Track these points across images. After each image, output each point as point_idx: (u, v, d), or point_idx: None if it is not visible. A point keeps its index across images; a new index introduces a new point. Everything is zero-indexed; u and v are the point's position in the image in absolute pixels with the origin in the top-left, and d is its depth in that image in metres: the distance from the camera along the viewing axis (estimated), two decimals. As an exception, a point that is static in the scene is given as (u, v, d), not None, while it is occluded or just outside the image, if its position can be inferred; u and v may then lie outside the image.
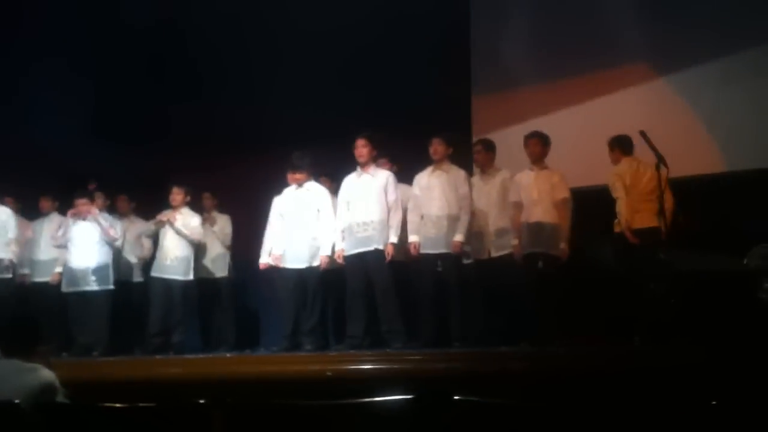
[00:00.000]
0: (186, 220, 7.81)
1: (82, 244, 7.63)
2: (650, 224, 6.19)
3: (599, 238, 6.68)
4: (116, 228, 7.79)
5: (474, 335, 6.49)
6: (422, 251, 6.61)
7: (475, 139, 7.82)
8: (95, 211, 7.73)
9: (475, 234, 6.72)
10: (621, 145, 6.56)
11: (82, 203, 7.67)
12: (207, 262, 8.13)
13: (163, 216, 7.83)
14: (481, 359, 5.66)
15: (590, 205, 6.76)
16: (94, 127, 9.29)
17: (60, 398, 3.79)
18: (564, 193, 6.46)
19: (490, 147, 6.96)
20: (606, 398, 4.05)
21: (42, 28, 9.20)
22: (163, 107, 9.20)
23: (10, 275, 7.70)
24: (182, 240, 7.74)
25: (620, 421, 2.74)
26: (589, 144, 7.06)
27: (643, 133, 5.91)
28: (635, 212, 6.29)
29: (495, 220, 6.71)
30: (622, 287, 6.40)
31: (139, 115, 9.33)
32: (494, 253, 6.70)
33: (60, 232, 7.77)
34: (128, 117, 9.34)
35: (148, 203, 8.42)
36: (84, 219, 7.67)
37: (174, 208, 7.84)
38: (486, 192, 6.80)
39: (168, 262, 7.73)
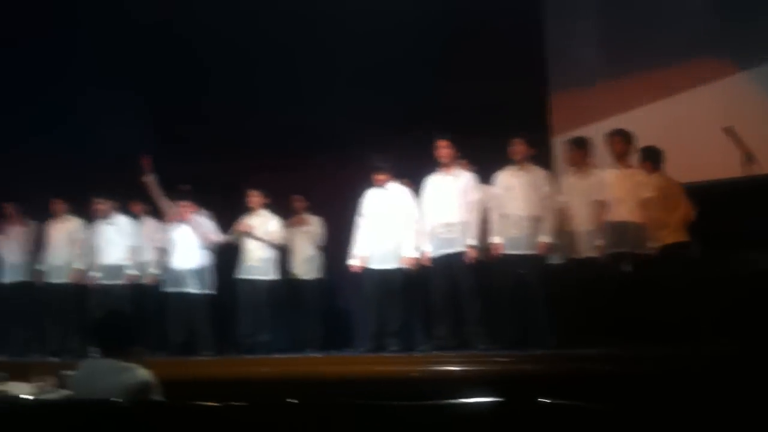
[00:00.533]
0: (265, 224, 7.96)
1: (184, 247, 7.83)
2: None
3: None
4: (217, 232, 7.97)
5: (559, 336, 6.43)
6: (505, 252, 6.59)
7: (554, 138, 7.77)
8: (191, 215, 7.90)
9: (566, 233, 6.65)
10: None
11: (183, 206, 7.85)
12: (298, 263, 8.26)
13: (241, 227, 7.98)
14: (567, 361, 5.62)
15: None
16: (177, 135, 9.55)
17: (156, 396, 3.95)
18: (650, 192, 6.34)
19: (580, 145, 6.81)
20: (695, 400, 3.99)
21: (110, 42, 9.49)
22: (251, 111, 9.36)
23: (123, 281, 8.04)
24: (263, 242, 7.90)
25: (709, 422, 2.71)
26: (672, 141, 6.89)
27: (728, 129, 5.77)
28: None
29: (585, 220, 6.59)
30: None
31: (224, 118, 9.51)
32: (585, 254, 6.59)
33: (159, 235, 8.02)
34: (213, 120, 9.54)
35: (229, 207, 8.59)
36: (185, 222, 7.86)
37: (251, 210, 7.99)
38: (579, 190, 6.65)
39: (252, 264, 7.90)
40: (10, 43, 9.57)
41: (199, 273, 7.77)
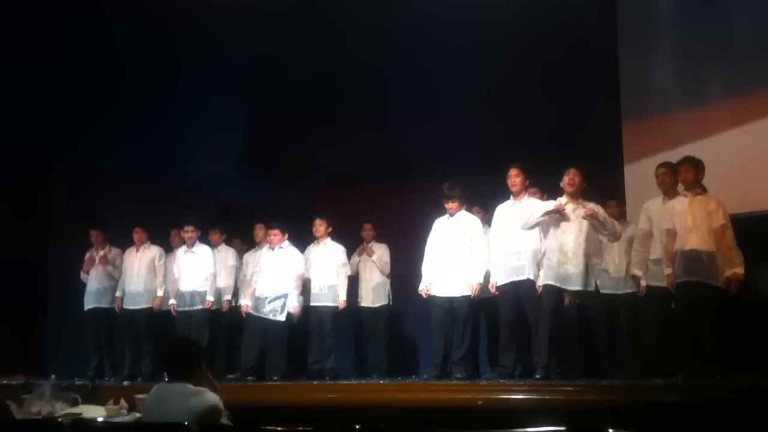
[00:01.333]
0: (331, 251, 8.05)
1: (269, 273, 7.92)
2: None
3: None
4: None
5: (629, 366, 6.34)
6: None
7: (626, 166, 7.69)
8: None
9: (649, 261, 6.59)
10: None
11: (274, 234, 7.97)
12: (367, 290, 8.32)
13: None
14: (634, 391, 5.53)
15: (752, 232, 6.49)
16: (251, 163, 9.76)
17: (224, 420, 4.02)
18: (721, 220, 6.20)
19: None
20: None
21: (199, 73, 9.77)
22: (315, 141, 9.51)
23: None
24: (329, 268, 7.97)
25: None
26: (746, 169, 6.75)
27: None
28: None
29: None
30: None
31: (292, 148, 9.68)
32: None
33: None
34: (282, 150, 9.71)
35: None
36: (272, 248, 7.98)
37: (317, 239, 8.09)
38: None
39: (317, 291, 7.97)
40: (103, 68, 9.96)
41: (277, 299, 7.84)
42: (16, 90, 9.68)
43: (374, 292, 8.33)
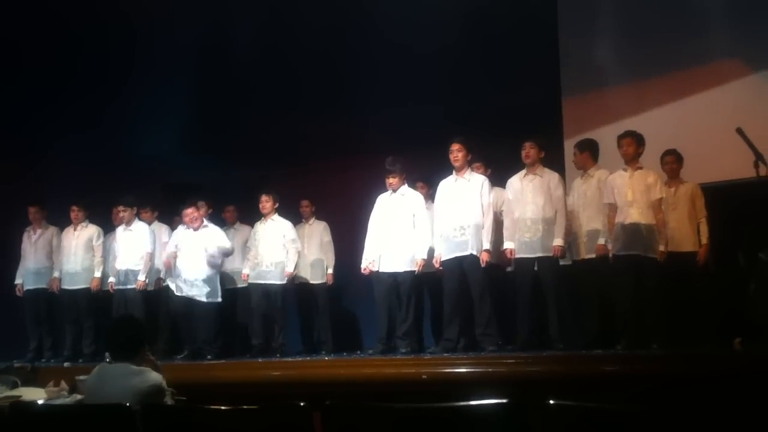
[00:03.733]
0: (278, 227, 7.99)
1: (190, 254, 7.84)
2: None
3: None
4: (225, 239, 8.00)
5: (569, 338, 6.45)
6: (518, 256, 6.61)
7: (566, 140, 7.78)
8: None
9: (572, 234, 6.74)
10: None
11: (189, 212, 7.85)
12: (305, 267, 8.31)
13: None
14: (576, 362, 5.63)
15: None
16: (193, 141, 9.63)
17: (167, 400, 3.98)
18: (660, 194, 6.34)
19: (582, 147, 6.94)
20: (702, 402, 3.99)
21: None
22: (258, 117, 9.42)
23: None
24: (277, 245, 7.92)
25: (717, 426, 2.71)
26: (684, 143, 6.88)
27: (740, 130, 5.78)
28: None
29: (589, 221, 6.67)
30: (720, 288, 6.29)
31: (234, 127, 9.58)
32: (585, 255, 6.67)
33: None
34: (224, 129, 9.61)
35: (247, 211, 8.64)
36: (195, 229, 7.88)
37: (264, 215, 8.03)
38: (583, 192, 6.77)
39: (265, 268, 7.92)
40: (39, 47, 9.68)
41: (205, 282, 7.77)
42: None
43: (312, 269, 8.34)
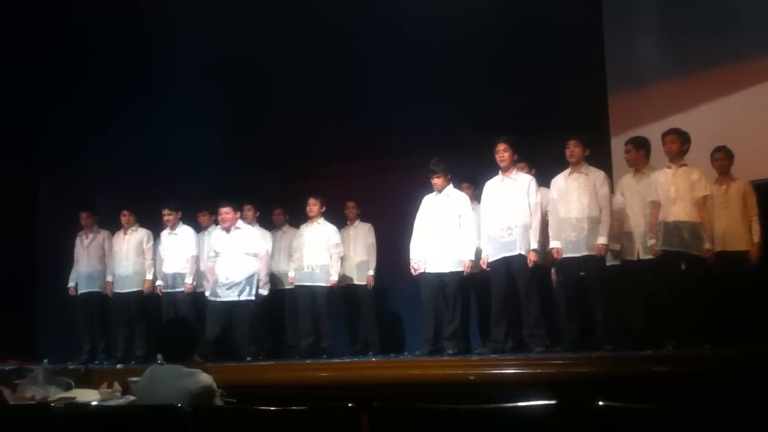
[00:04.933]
0: (323, 230, 8.03)
1: (224, 256, 7.89)
2: None
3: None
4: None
5: (618, 338, 6.38)
6: (564, 255, 6.57)
7: (613, 138, 7.71)
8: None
9: (625, 234, 6.63)
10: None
11: (224, 211, 7.89)
12: (351, 269, 8.35)
13: None
14: (625, 363, 5.57)
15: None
16: (236, 145, 9.74)
17: (217, 401, 4.04)
18: (704, 191, 6.25)
19: (639, 144, 6.78)
20: (754, 402, 3.92)
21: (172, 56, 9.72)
22: (303, 120, 9.47)
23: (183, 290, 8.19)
24: (322, 248, 7.96)
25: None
26: (734, 139, 6.76)
27: None
28: None
29: (645, 221, 6.55)
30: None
31: (277, 131, 9.65)
32: (643, 255, 6.54)
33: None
34: (267, 133, 9.69)
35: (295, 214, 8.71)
36: (228, 231, 7.92)
37: (311, 218, 8.08)
38: (637, 191, 6.64)
39: (309, 270, 7.98)
40: (86, 59, 9.89)
41: (241, 283, 7.80)
42: (2, 80, 9.68)
43: (356, 271, 8.37)
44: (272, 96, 9.68)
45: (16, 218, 9.00)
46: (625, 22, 8.19)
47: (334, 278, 7.90)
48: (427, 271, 7.02)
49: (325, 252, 7.96)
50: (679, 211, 6.20)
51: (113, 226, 8.68)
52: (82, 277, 8.60)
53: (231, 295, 7.74)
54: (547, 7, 8.30)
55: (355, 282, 8.38)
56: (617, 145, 7.57)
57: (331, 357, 7.61)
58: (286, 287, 8.37)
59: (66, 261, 8.79)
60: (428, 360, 6.64)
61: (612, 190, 6.73)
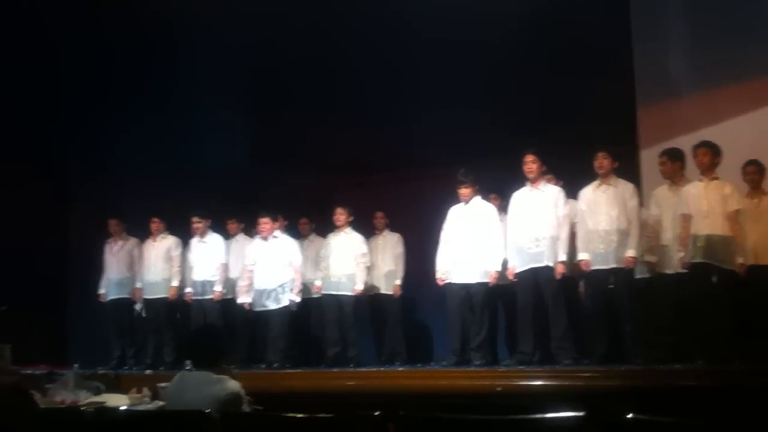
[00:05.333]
0: (350, 240, 8.06)
1: (262, 265, 7.97)
2: None
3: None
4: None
5: (646, 351, 6.33)
6: (592, 267, 6.54)
7: (642, 150, 7.67)
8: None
9: (660, 246, 6.58)
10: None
11: (264, 221, 7.99)
12: (379, 278, 8.37)
13: None
14: (654, 376, 5.53)
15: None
16: (264, 153, 9.81)
17: (245, 408, 4.06)
18: (736, 205, 6.19)
19: (675, 156, 6.72)
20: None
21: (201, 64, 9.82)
22: (330, 129, 9.52)
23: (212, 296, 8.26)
24: (349, 257, 7.99)
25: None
26: (762, 153, 6.69)
27: None
28: None
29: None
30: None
31: (304, 139, 9.70)
32: (678, 268, 6.45)
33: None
34: (294, 141, 9.74)
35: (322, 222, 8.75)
36: (265, 239, 8.00)
37: (338, 227, 8.12)
38: (673, 203, 6.56)
39: (336, 279, 8.01)
40: (113, 67, 10.02)
41: (276, 291, 7.86)
42: (32, 89, 9.84)
43: (384, 280, 8.38)
44: (299, 105, 9.72)
45: (47, 225, 9.11)
46: (655, 33, 8.13)
47: (360, 287, 7.92)
48: (453, 281, 7.01)
49: (352, 261, 7.99)
50: (710, 225, 6.16)
51: (143, 233, 8.75)
52: (111, 283, 8.69)
53: (266, 304, 7.80)
54: (576, 18, 8.29)
55: (383, 291, 8.38)
56: (646, 157, 7.54)
57: (358, 366, 7.62)
58: (313, 296, 8.39)
59: (96, 267, 8.87)
60: (455, 370, 6.64)
61: (641, 203, 6.69)
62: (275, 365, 7.62)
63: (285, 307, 7.84)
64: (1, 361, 4.14)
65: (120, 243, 8.75)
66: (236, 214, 8.76)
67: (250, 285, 7.99)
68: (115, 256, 8.73)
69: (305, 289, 8.37)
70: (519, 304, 6.78)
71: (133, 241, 8.77)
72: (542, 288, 6.63)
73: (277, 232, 8.04)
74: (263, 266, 7.92)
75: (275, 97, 9.89)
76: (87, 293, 8.99)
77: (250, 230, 8.58)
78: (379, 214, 8.59)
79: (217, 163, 9.84)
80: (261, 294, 7.86)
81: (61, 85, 10.49)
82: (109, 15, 9.66)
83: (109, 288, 8.70)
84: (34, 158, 9.91)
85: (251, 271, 8.00)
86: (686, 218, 6.30)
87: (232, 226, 8.74)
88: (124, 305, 8.64)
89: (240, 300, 8.05)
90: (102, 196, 10.07)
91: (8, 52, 9.43)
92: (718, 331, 5.93)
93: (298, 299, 7.92)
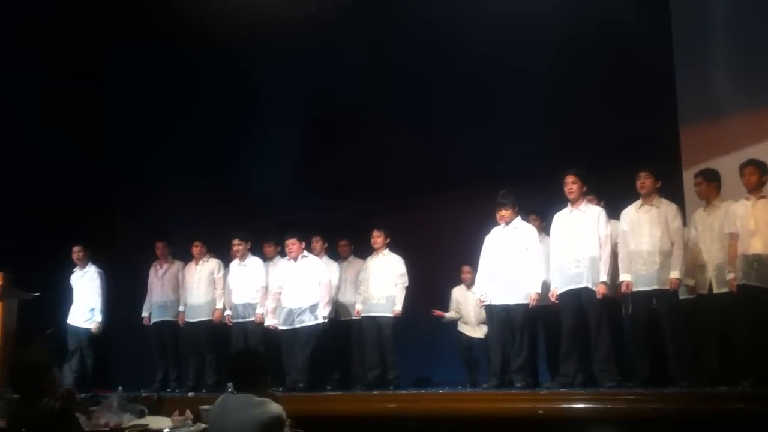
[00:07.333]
0: (388, 262, 8.08)
1: (291, 285, 7.99)
2: None
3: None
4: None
5: (691, 374, 6.24)
6: (635, 289, 6.48)
7: (685, 170, 7.59)
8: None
9: (698, 268, 6.49)
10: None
11: (290, 243, 8.00)
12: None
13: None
14: (697, 400, 5.45)
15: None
16: (308, 178, 9.91)
17: (286, 430, 4.09)
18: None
19: (711, 177, 6.64)
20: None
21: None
22: (366, 153, 9.60)
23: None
24: (387, 279, 7.99)
25: None
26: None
27: None
28: None
29: (717, 254, 6.39)
30: None
31: (345, 164, 9.80)
32: (717, 289, 6.38)
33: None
34: (334, 166, 9.84)
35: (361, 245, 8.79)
36: (295, 260, 8.03)
37: (376, 250, 8.13)
38: (709, 224, 6.50)
39: (375, 301, 8.01)
40: (162, 92, 10.23)
41: (308, 309, 7.87)
42: (84, 113, 10.16)
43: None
44: (340, 129, 9.85)
45: (94, 246, 9.25)
46: (697, 52, 8.06)
47: (398, 308, 7.92)
48: (493, 303, 6.99)
49: (391, 283, 7.99)
50: (759, 244, 6.05)
51: (185, 256, 8.86)
52: (155, 306, 8.79)
53: (296, 323, 7.83)
54: (619, 39, 8.28)
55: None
56: (690, 178, 7.45)
57: (398, 389, 7.60)
58: (353, 318, 8.40)
59: (139, 291, 8.98)
60: (496, 393, 6.60)
61: (685, 224, 6.62)
62: (300, 385, 7.61)
63: (315, 326, 7.84)
64: (51, 384, 4.19)
65: (165, 266, 8.85)
66: (275, 238, 8.81)
67: (277, 306, 8.02)
68: (160, 279, 8.83)
69: (345, 310, 8.39)
70: (562, 326, 6.71)
71: (178, 264, 8.86)
72: (585, 310, 6.57)
73: (306, 252, 8.08)
74: (293, 287, 7.95)
75: (317, 124, 10.02)
76: (131, 314, 9.10)
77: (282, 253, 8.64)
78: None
79: (261, 188, 9.97)
80: (292, 313, 7.88)
81: (109, 103, 10.76)
82: (162, 42, 9.87)
83: (152, 310, 8.80)
84: (82, 178, 10.17)
85: (278, 292, 8.04)
86: (734, 237, 6.20)
87: (269, 249, 8.79)
88: (167, 328, 8.71)
89: (267, 322, 8.07)
90: (148, 218, 10.24)
91: (60, 74, 9.69)
92: (765, 354, 5.83)
93: (324, 313, 7.88)
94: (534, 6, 8.36)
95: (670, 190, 6.96)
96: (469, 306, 8.32)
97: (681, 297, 6.53)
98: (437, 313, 8.49)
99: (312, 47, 9.89)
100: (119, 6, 9.38)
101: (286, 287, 8.00)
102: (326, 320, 7.90)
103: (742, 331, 6.05)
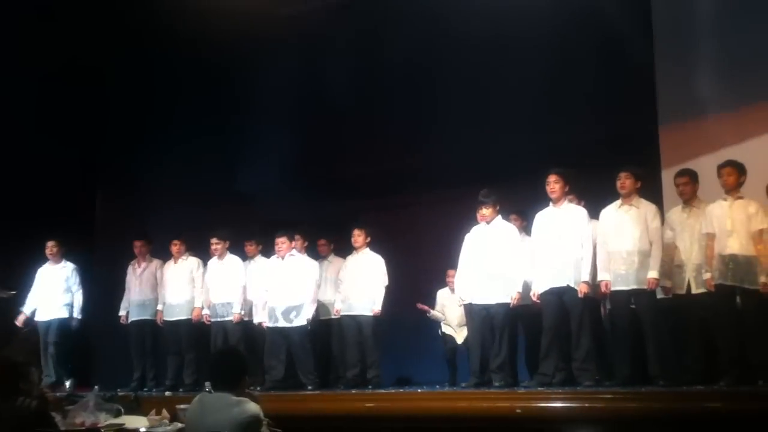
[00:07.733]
0: (369, 261, 8.06)
1: (279, 284, 7.97)
2: None
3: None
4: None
5: (670, 373, 6.27)
6: (613, 288, 6.50)
7: (664, 170, 7.63)
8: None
9: (675, 268, 6.51)
10: None
11: (279, 241, 7.99)
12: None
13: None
14: (676, 399, 5.47)
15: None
16: (291, 177, 9.89)
17: (264, 430, 4.06)
18: (761, 224, 6.12)
19: (696, 177, 6.64)
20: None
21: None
22: (350, 153, 9.59)
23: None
24: (368, 278, 7.97)
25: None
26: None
27: None
28: None
29: (697, 255, 6.42)
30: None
31: (327, 163, 9.78)
32: (695, 289, 6.41)
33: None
34: (317, 165, 9.82)
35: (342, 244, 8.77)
36: (282, 258, 8.03)
37: (356, 249, 8.11)
38: (689, 225, 6.52)
39: (354, 301, 7.98)
40: (147, 89, 10.17)
41: (296, 309, 7.87)
42: (66, 107, 10.03)
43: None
44: (323, 129, 9.83)
45: (72, 244, 9.17)
46: (678, 52, 8.10)
47: (377, 308, 7.90)
48: (473, 302, 6.98)
49: (371, 282, 7.97)
50: (735, 244, 6.10)
51: (164, 254, 8.80)
52: (133, 305, 8.71)
53: (285, 322, 7.82)
54: (598, 38, 8.32)
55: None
56: (668, 177, 7.48)
57: (377, 388, 7.59)
58: (333, 317, 8.37)
59: (117, 289, 8.91)
60: (475, 392, 6.60)
61: (663, 224, 6.65)
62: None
63: (304, 325, 7.83)
64: (29, 384, 4.15)
65: (144, 264, 8.79)
66: (256, 237, 8.77)
67: (266, 303, 8.00)
68: (138, 277, 8.76)
69: (325, 310, 8.37)
70: (543, 325, 6.72)
71: (156, 262, 8.80)
72: (567, 309, 6.59)
73: (294, 251, 8.05)
74: (281, 285, 7.93)
75: (299, 123, 10.00)
76: (108, 314, 9.03)
77: (268, 252, 8.60)
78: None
79: (241, 187, 9.92)
80: (279, 312, 7.86)
81: (98, 107, 10.68)
82: (148, 36, 9.81)
83: (130, 309, 8.73)
84: (62, 176, 10.08)
85: (266, 291, 8.02)
86: (711, 237, 6.25)
87: (250, 248, 8.75)
88: (145, 327, 8.64)
89: (257, 319, 8.07)
90: (127, 216, 10.17)
91: (51, 71, 9.67)
92: (742, 353, 5.86)
93: (309, 316, 7.88)
94: (517, 9, 8.37)
95: (648, 189, 6.99)
96: (452, 310, 8.32)
97: (658, 296, 6.56)
98: (422, 307, 8.46)
99: (299, 47, 9.87)
100: (112, 6, 9.32)
101: (273, 286, 7.98)
102: (309, 319, 7.89)
103: (720, 330, 6.09)
